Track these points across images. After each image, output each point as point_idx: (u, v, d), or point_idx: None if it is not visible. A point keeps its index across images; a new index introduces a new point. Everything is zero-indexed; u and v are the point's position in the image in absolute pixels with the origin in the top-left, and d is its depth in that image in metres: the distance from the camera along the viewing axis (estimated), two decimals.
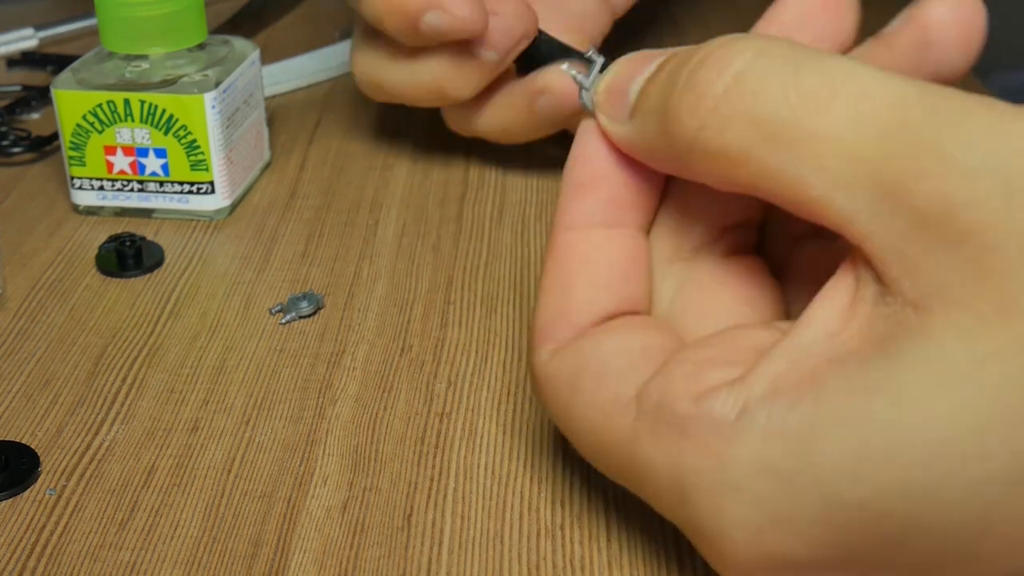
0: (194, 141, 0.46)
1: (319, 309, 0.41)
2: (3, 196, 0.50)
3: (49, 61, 0.63)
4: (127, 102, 0.45)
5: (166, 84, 0.46)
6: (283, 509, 0.32)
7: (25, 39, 0.65)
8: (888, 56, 0.28)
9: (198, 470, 0.34)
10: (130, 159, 0.46)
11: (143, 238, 0.45)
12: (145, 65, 0.46)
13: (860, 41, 0.29)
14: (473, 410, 0.36)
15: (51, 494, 0.33)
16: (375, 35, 0.46)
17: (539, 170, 0.51)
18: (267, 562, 0.30)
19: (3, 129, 0.54)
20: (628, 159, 0.28)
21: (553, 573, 0.30)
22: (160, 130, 0.46)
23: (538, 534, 0.31)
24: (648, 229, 0.29)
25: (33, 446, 0.35)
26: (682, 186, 0.29)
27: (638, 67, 0.27)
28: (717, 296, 0.28)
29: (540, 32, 0.45)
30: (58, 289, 0.43)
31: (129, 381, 0.38)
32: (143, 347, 0.39)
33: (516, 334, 0.40)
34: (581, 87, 0.28)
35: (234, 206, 0.48)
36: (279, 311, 0.41)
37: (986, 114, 0.21)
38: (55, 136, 0.51)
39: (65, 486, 0.33)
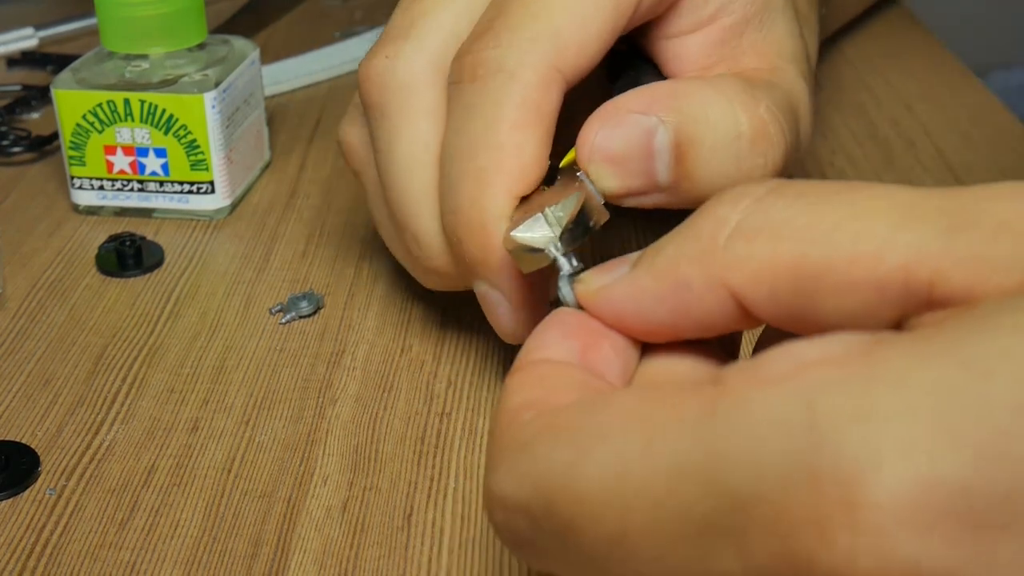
0: (194, 141, 0.46)
1: (319, 309, 0.41)
2: (3, 196, 0.50)
3: (49, 61, 0.63)
4: (127, 102, 0.45)
5: (166, 84, 0.46)
6: (283, 509, 0.32)
7: (25, 39, 0.65)
8: None
9: (198, 470, 0.34)
10: (130, 159, 0.47)
11: (143, 238, 0.45)
12: (145, 65, 0.46)
13: None
14: (473, 410, 0.36)
15: (51, 494, 0.33)
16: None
17: None
18: (267, 562, 0.30)
19: (3, 129, 0.54)
20: (601, 328, 0.27)
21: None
22: (160, 130, 0.46)
23: None
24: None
25: (33, 446, 0.35)
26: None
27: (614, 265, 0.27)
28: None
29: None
30: (58, 289, 0.43)
31: (129, 381, 0.38)
32: (143, 347, 0.39)
33: None
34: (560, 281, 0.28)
35: (234, 206, 0.48)
36: (279, 311, 0.41)
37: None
38: (55, 136, 0.51)
39: (65, 486, 0.33)
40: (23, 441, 0.35)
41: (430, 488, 0.33)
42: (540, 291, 0.34)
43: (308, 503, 0.32)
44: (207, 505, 0.32)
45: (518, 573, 0.30)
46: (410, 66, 0.36)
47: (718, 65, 0.37)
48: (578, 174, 0.31)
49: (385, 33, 0.38)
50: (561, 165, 0.33)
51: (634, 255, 0.26)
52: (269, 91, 0.58)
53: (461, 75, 0.33)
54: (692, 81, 0.34)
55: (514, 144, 0.32)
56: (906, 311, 0.22)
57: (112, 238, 0.45)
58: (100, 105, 0.46)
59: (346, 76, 0.61)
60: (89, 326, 0.41)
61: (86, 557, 0.31)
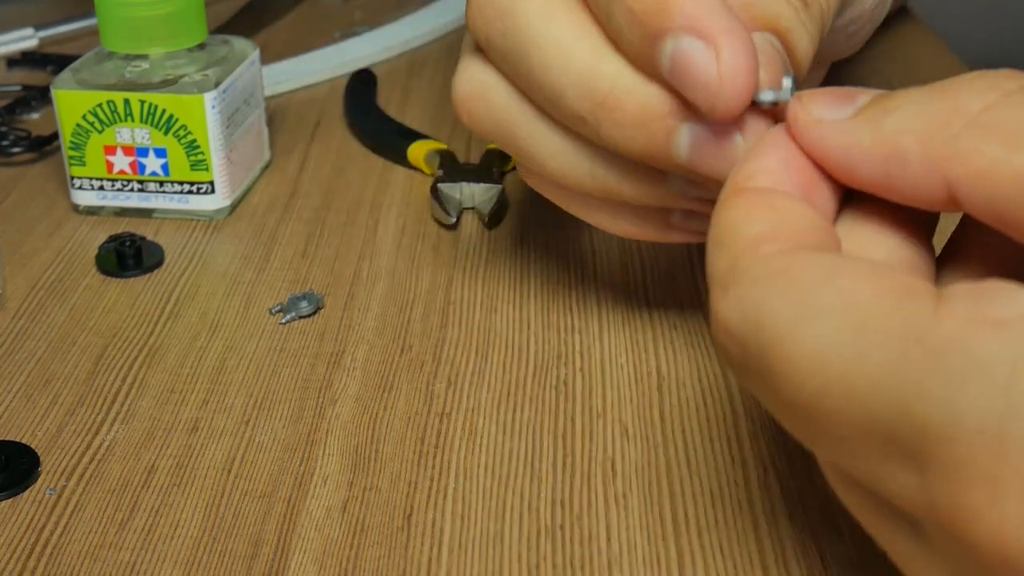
0: (194, 141, 0.46)
1: (319, 309, 0.41)
2: (3, 196, 0.50)
3: (49, 61, 0.63)
4: (127, 102, 0.45)
5: (166, 84, 0.46)
6: (283, 509, 0.32)
7: (25, 39, 0.65)
8: None
9: (198, 470, 0.34)
10: (130, 159, 0.47)
11: (143, 238, 0.45)
12: (145, 65, 0.46)
13: None
14: (473, 410, 0.36)
15: (51, 494, 0.33)
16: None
17: None
18: (267, 562, 0.30)
19: (3, 129, 0.54)
20: (814, 169, 0.26)
21: (553, 573, 0.30)
22: (160, 130, 0.46)
23: (538, 534, 0.31)
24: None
25: (33, 446, 0.35)
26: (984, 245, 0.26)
27: (854, 92, 0.26)
28: None
29: None
30: (58, 289, 0.43)
31: (129, 381, 0.38)
32: (143, 347, 0.39)
33: (516, 334, 0.40)
34: (764, 96, 0.27)
35: (234, 206, 0.48)
36: (279, 311, 0.41)
37: None
38: (55, 136, 0.51)
39: (65, 486, 0.33)
40: (23, 441, 0.35)
41: (430, 488, 0.33)
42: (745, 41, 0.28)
43: (308, 503, 0.32)
44: (207, 505, 0.32)
45: (518, 573, 0.30)
46: None
47: None
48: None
49: None
50: None
51: (861, 95, 0.25)
52: (269, 91, 0.58)
53: None
54: None
55: None
56: None
57: (112, 238, 0.45)
58: (100, 105, 0.46)
59: (346, 76, 0.61)
60: (89, 326, 0.41)
61: (86, 557, 0.31)
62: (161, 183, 0.47)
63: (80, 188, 0.47)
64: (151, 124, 0.46)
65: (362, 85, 0.58)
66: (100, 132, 0.46)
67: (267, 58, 0.60)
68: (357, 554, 0.31)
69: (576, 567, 0.30)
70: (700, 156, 0.29)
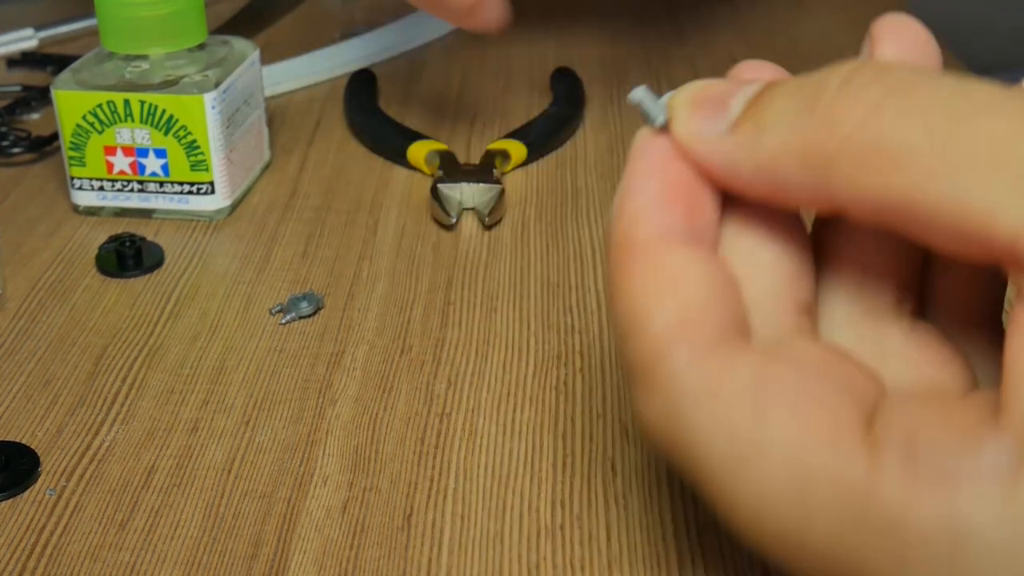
0: (194, 141, 0.46)
1: (319, 309, 0.41)
2: (3, 196, 0.50)
3: (49, 61, 0.63)
4: (127, 102, 0.45)
5: (166, 84, 0.46)
6: (283, 509, 0.32)
7: (25, 39, 0.65)
8: None
9: (198, 470, 0.34)
10: (130, 159, 0.47)
11: (143, 238, 0.45)
12: (145, 65, 0.46)
13: None
14: (473, 410, 0.36)
15: (51, 494, 0.33)
16: None
17: (539, 170, 0.51)
18: (267, 562, 0.30)
19: (3, 129, 0.54)
20: (695, 179, 0.26)
21: (553, 573, 0.30)
22: (160, 130, 0.46)
23: (538, 534, 0.31)
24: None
25: (33, 446, 0.35)
26: (858, 245, 0.27)
27: (729, 87, 0.26)
28: (918, 354, 0.26)
29: None
30: (58, 289, 0.43)
31: (129, 381, 0.38)
32: (143, 347, 0.39)
33: (516, 334, 0.40)
34: (648, 103, 0.27)
35: (234, 206, 0.48)
36: (279, 311, 0.41)
37: None
38: (55, 136, 0.51)
39: (65, 486, 0.33)
40: (23, 441, 0.35)
41: (430, 488, 0.33)
42: None
43: (308, 503, 0.32)
44: (207, 505, 0.32)
45: (518, 573, 0.30)
46: None
47: None
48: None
49: None
50: None
51: (733, 97, 0.25)
52: (269, 91, 0.58)
53: None
54: None
55: None
56: (1017, 267, 0.22)
57: (112, 239, 0.45)
58: (100, 106, 0.46)
59: (346, 76, 0.61)
60: (89, 326, 0.41)
61: (86, 557, 0.31)
62: (161, 183, 0.47)
63: (80, 188, 0.47)
64: (151, 124, 0.46)
65: (362, 85, 0.58)
66: (100, 132, 0.46)
67: (267, 58, 0.60)
68: (357, 554, 0.31)
69: (576, 567, 0.30)
70: None
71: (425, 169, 0.50)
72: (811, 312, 0.26)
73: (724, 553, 0.30)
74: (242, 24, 0.66)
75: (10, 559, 0.31)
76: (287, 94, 0.60)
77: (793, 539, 0.23)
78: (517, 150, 0.51)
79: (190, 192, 0.47)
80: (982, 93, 0.22)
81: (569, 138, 0.54)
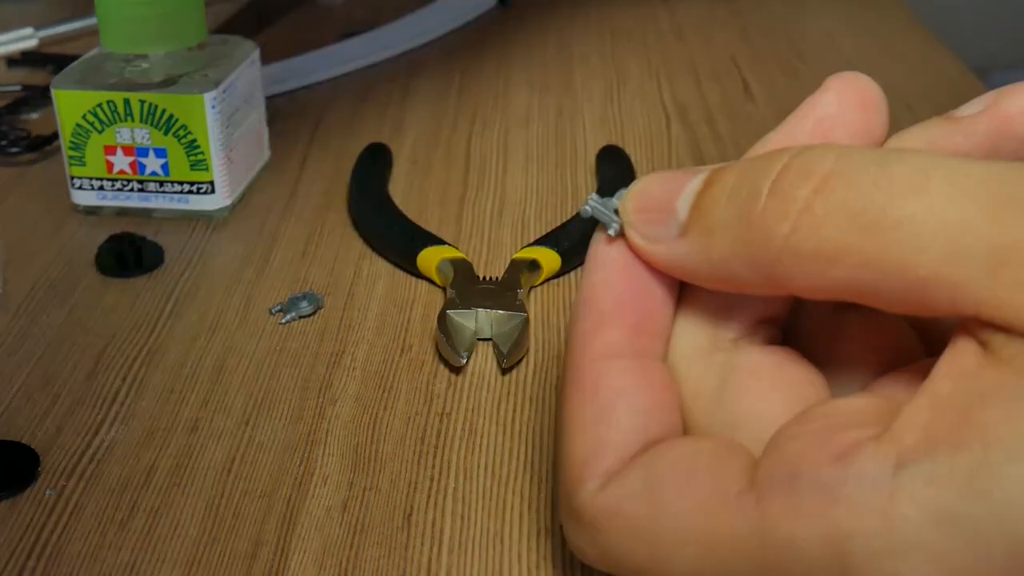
0: (194, 141, 0.46)
1: (319, 309, 0.41)
2: (3, 196, 0.50)
3: (49, 61, 0.63)
4: (127, 102, 0.45)
5: (166, 84, 0.46)
6: (283, 509, 0.32)
7: (25, 39, 0.65)
8: (963, 141, 0.28)
9: (198, 470, 0.34)
10: (130, 159, 0.47)
11: (143, 238, 0.45)
12: (145, 65, 0.46)
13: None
14: (473, 410, 0.36)
15: (51, 494, 0.33)
16: None
17: (539, 170, 0.51)
18: (267, 562, 0.30)
19: (3, 129, 0.54)
20: (648, 287, 0.27)
21: (553, 573, 0.30)
22: (160, 130, 0.46)
23: (538, 534, 0.31)
24: (663, 359, 0.28)
25: (33, 446, 0.35)
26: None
27: (674, 184, 0.26)
28: (770, 380, 0.27)
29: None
30: (58, 289, 0.43)
31: (129, 381, 0.38)
32: (143, 347, 0.39)
33: None
34: (600, 212, 0.27)
35: (234, 206, 0.48)
36: (279, 311, 0.41)
37: None
38: (55, 136, 0.51)
39: (65, 486, 0.33)
40: (23, 441, 0.35)
41: (430, 488, 0.33)
42: None
43: (308, 503, 0.32)
44: (207, 505, 0.32)
45: (518, 573, 0.30)
46: None
47: None
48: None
49: None
50: None
51: (677, 198, 0.26)
52: (269, 91, 0.58)
53: None
54: None
55: None
56: (962, 320, 0.23)
57: (112, 238, 0.45)
58: (100, 105, 0.46)
59: (346, 76, 0.61)
60: (89, 326, 0.41)
61: (86, 557, 0.31)
62: (161, 183, 0.47)
63: (80, 188, 0.47)
64: (151, 124, 0.46)
65: (373, 165, 0.50)
66: (100, 132, 0.46)
67: (267, 58, 0.60)
68: (357, 554, 0.31)
69: (576, 567, 0.30)
70: None
71: (437, 280, 0.42)
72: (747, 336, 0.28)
73: None
74: (242, 24, 0.66)
75: (10, 559, 0.31)
76: (287, 94, 0.60)
77: None
78: (549, 260, 0.43)
79: (190, 192, 0.47)
80: (903, 169, 0.23)
81: None
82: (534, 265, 0.42)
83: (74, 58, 0.50)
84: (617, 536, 0.25)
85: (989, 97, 0.27)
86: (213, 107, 0.45)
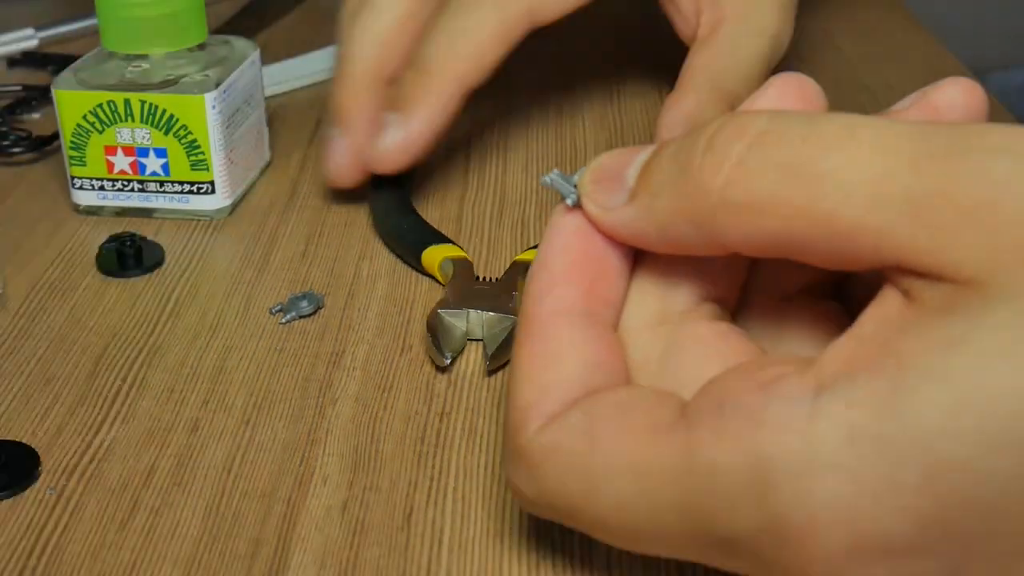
0: (194, 141, 0.46)
1: (319, 309, 0.41)
2: (3, 196, 0.50)
3: (49, 61, 0.63)
4: (127, 102, 0.45)
5: (167, 84, 0.46)
6: (283, 509, 0.32)
7: (25, 39, 0.65)
8: None
9: (198, 470, 0.34)
10: (130, 159, 0.47)
11: (143, 238, 0.45)
12: (146, 65, 0.46)
13: None
14: (473, 410, 0.36)
15: (51, 494, 0.33)
16: None
17: (539, 170, 0.51)
18: (267, 562, 0.30)
19: (3, 129, 0.54)
20: (603, 254, 0.28)
21: (553, 573, 0.30)
22: (160, 130, 0.46)
23: (538, 534, 0.31)
24: (615, 329, 0.29)
25: (33, 446, 0.35)
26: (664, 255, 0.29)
27: (626, 157, 0.28)
28: (715, 348, 0.28)
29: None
30: (58, 289, 0.43)
31: (129, 381, 0.38)
32: (143, 347, 0.39)
33: None
34: (560, 184, 0.28)
35: (234, 206, 0.48)
36: (279, 311, 0.41)
37: (1001, 128, 0.24)
38: (55, 136, 0.51)
39: (65, 486, 0.33)
40: (23, 441, 0.35)
41: (430, 488, 0.33)
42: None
43: (308, 503, 0.32)
44: (207, 505, 0.32)
45: (518, 573, 0.30)
46: None
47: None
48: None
49: None
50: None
51: (628, 167, 0.28)
52: (269, 91, 0.58)
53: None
54: None
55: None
56: (886, 269, 0.24)
57: (112, 238, 0.45)
58: (100, 105, 0.46)
59: None
60: (89, 326, 0.41)
61: (86, 557, 0.31)
62: (161, 183, 0.47)
63: (80, 188, 0.47)
64: (151, 124, 0.46)
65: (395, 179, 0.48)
66: (100, 132, 0.46)
67: (267, 58, 0.60)
68: (357, 554, 0.31)
69: (576, 567, 0.30)
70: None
71: (440, 277, 0.42)
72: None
73: None
74: (242, 24, 0.66)
75: (10, 558, 0.31)
76: (287, 94, 0.60)
77: (661, 533, 0.25)
78: None
79: (190, 192, 0.47)
80: (831, 127, 0.24)
81: None
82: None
83: (74, 58, 0.50)
84: (554, 471, 0.26)
85: (919, 93, 0.29)
86: (213, 107, 0.45)
